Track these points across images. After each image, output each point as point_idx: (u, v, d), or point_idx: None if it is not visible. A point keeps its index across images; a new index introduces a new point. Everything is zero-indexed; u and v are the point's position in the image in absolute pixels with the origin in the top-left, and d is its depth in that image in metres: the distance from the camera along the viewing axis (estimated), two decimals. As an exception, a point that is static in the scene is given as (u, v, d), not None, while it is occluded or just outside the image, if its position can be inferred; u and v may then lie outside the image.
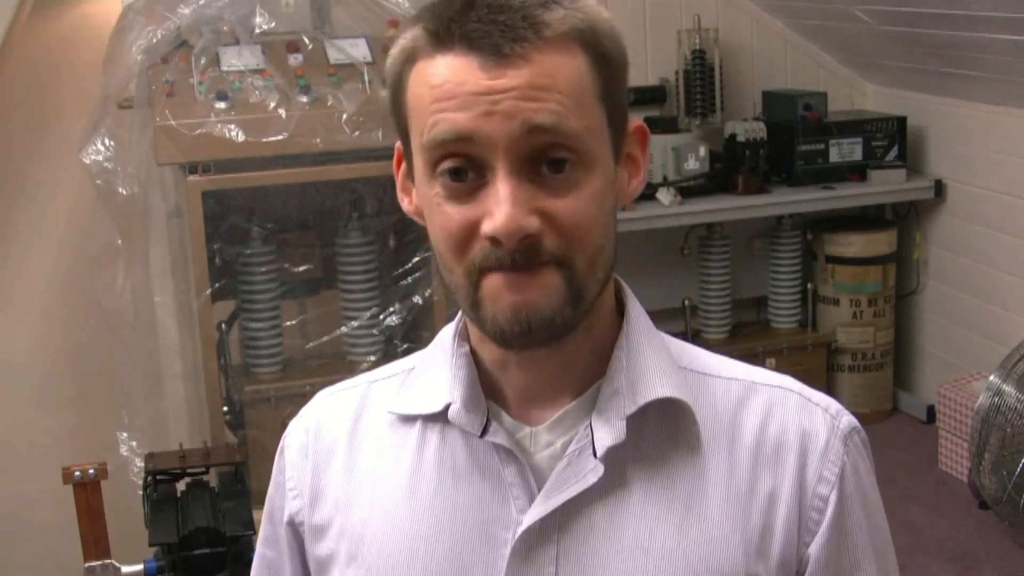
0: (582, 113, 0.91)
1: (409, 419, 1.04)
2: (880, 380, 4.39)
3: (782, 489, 0.98)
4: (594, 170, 0.93)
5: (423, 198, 0.96)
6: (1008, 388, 3.44)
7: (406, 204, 1.02)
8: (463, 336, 1.03)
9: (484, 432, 0.98)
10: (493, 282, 0.92)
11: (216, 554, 2.58)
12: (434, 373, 1.03)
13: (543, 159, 0.91)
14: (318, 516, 1.06)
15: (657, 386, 0.98)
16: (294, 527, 1.08)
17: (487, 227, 0.90)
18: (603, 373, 0.99)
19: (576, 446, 0.97)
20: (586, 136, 0.92)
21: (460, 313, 1.03)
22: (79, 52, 3.56)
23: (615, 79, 0.96)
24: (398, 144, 1.02)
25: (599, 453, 0.95)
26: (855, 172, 4.19)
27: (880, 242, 4.28)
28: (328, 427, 1.08)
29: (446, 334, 1.05)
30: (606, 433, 0.96)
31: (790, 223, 4.30)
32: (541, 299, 0.92)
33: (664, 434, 0.99)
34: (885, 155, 4.23)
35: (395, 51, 0.98)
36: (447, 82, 0.90)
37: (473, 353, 1.02)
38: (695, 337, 4.26)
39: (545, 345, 0.95)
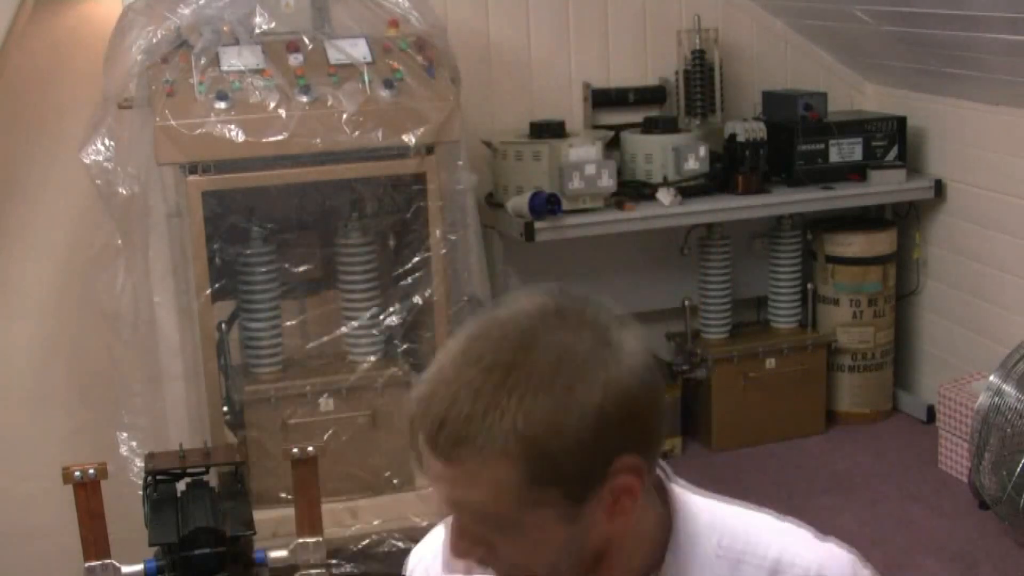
0: (500, 507, 1.05)
1: None
2: (880, 380, 4.39)
3: None
4: (527, 533, 1.06)
5: None
6: (1008, 388, 3.44)
7: None
8: None
9: None
10: None
11: (216, 554, 2.58)
12: None
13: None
14: None
15: None
16: None
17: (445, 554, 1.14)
18: (655, 561, 1.13)
19: None
20: (509, 517, 1.05)
21: None
22: (79, 52, 3.56)
23: (575, 457, 1.03)
24: None
25: None
26: (855, 172, 4.18)
27: (880, 242, 4.28)
28: (444, 568, 1.24)
29: None
30: None
31: (790, 223, 4.30)
32: None
33: None
34: (885, 155, 4.23)
35: None
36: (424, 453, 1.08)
37: None
38: (695, 337, 4.27)
39: None
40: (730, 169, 4.07)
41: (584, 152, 3.81)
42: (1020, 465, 3.37)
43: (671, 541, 1.13)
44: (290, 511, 2.85)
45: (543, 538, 1.05)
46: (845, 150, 4.19)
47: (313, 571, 2.77)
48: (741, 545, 1.15)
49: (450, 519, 1.14)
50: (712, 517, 1.17)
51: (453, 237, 3.34)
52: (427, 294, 3.32)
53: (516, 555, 1.06)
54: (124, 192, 3.19)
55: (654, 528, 1.14)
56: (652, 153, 4.01)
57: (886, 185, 4.16)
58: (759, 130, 4.06)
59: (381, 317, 3.38)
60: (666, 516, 1.15)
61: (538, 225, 3.74)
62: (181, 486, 2.88)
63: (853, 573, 1.15)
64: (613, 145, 4.10)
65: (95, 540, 2.63)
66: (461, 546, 1.07)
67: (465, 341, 1.06)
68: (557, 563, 1.08)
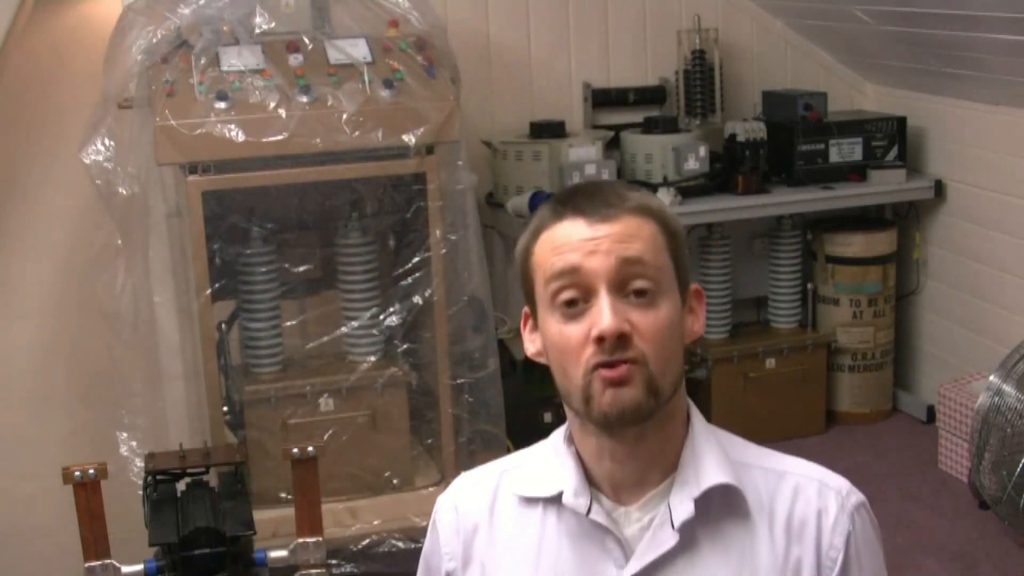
0: (657, 258, 1.30)
1: (532, 500, 1.38)
2: (880, 380, 4.39)
3: (806, 557, 1.31)
4: (666, 300, 1.30)
5: (547, 329, 1.32)
6: (1008, 388, 3.44)
7: (531, 349, 1.38)
8: (570, 440, 1.38)
9: (588, 511, 1.32)
10: (596, 385, 1.27)
11: (216, 554, 2.58)
12: (549, 465, 1.38)
13: (630, 288, 1.28)
14: (469, 573, 1.41)
15: (715, 475, 1.31)
16: None
17: (595, 331, 1.26)
18: (674, 467, 1.33)
19: (659, 521, 1.31)
20: (660, 274, 1.29)
21: (567, 423, 1.38)
22: (79, 52, 3.56)
23: (678, 247, 1.34)
24: (525, 308, 1.39)
25: (676, 525, 1.29)
26: (855, 172, 4.18)
27: (880, 242, 4.28)
28: (472, 508, 1.43)
29: (557, 437, 1.40)
30: (680, 511, 1.29)
31: (790, 223, 4.30)
32: (626, 396, 1.27)
33: (723, 511, 1.32)
34: (885, 155, 4.23)
35: (524, 234, 1.36)
36: (563, 235, 1.30)
37: (577, 452, 1.37)
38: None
39: (633, 425, 1.29)
40: (730, 169, 4.07)
41: (584, 152, 3.81)
42: (1020, 465, 3.37)
43: (686, 441, 1.35)
44: (290, 511, 2.85)
45: (666, 313, 1.29)
46: (845, 150, 4.19)
47: (313, 571, 2.77)
48: (749, 458, 1.37)
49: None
50: (720, 435, 1.38)
51: (453, 237, 3.34)
52: (427, 294, 3.32)
53: (650, 330, 1.27)
54: (124, 192, 3.19)
55: (682, 436, 1.35)
56: (652, 153, 4.01)
57: (886, 185, 4.16)
58: (759, 130, 4.06)
59: (381, 317, 3.38)
60: (686, 434, 1.36)
61: (538, 225, 3.73)
62: (181, 486, 2.88)
63: (850, 488, 1.35)
64: (613, 145, 4.10)
65: (95, 540, 2.63)
66: (616, 316, 1.25)
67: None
68: (672, 350, 1.30)
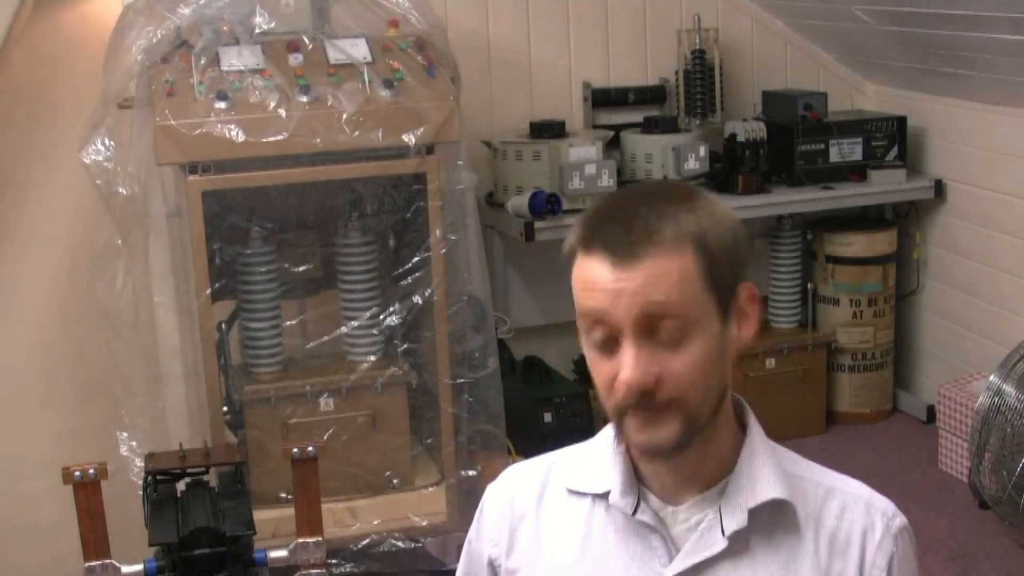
0: (689, 294, 1.23)
1: (581, 494, 1.39)
2: (880, 380, 4.39)
3: (847, 573, 1.33)
4: (701, 333, 1.25)
5: (585, 351, 1.30)
6: (1008, 388, 3.44)
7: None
8: (620, 438, 1.35)
9: (635, 512, 1.33)
10: (629, 422, 1.27)
11: (216, 554, 2.58)
12: (599, 461, 1.39)
13: (659, 333, 1.23)
14: (512, 561, 1.43)
15: (772, 488, 1.32)
16: (493, 566, 1.46)
17: (620, 379, 1.24)
18: (726, 471, 1.33)
19: (707, 524, 1.31)
20: (693, 308, 1.24)
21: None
22: (79, 52, 3.56)
23: (721, 263, 1.26)
24: None
25: (726, 532, 1.30)
26: (855, 172, 4.19)
27: (880, 242, 4.28)
28: (521, 496, 1.44)
29: (609, 434, 1.39)
30: (732, 519, 1.30)
31: (790, 223, 4.30)
32: (661, 436, 1.26)
33: (772, 521, 1.32)
34: (885, 155, 4.23)
35: (566, 242, 1.30)
36: (589, 278, 1.25)
37: (627, 450, 1.36)
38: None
39: (669, 459, 1.29)
40: (730, 169, 4.07)
41: (584, 152, 3.81)
42: (1020, 465, 3.37)
43: (743, 447, 1.35)
44: (290, 511, 2.84)
45: (701, 349, 1.24)
46: (845, 150, 4.19)
47: (313, 571, 2.77)
48: (800, 471, 1.37)
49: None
50: (776, 448, 1.38)
51: (453, 237, 3.34)
52: (427, 294, 3.32)
53: (681, 373, 1.24)
54: (124, 192, 3.18)
55: (733, 443, 1.35)
56: (652, 153, 4.01)
57: (886, 185, 4.16)
58: (759, 130, 4.06)
59: (381, 317, 3.38)
60: (742, 440, 1.36)
61: (538, 225, 3.74)
62: (181, 486, 2.88)
63: (896, 511, 1.38)
64: (613, 145, 4.10)
65: (95, 540, 2.63)
66: (639, 369, 1.22)
67: (609, 195, 1.33)
68: (711, 378, 1.26)
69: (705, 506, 1.33)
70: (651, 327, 1.23)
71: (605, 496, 1.36)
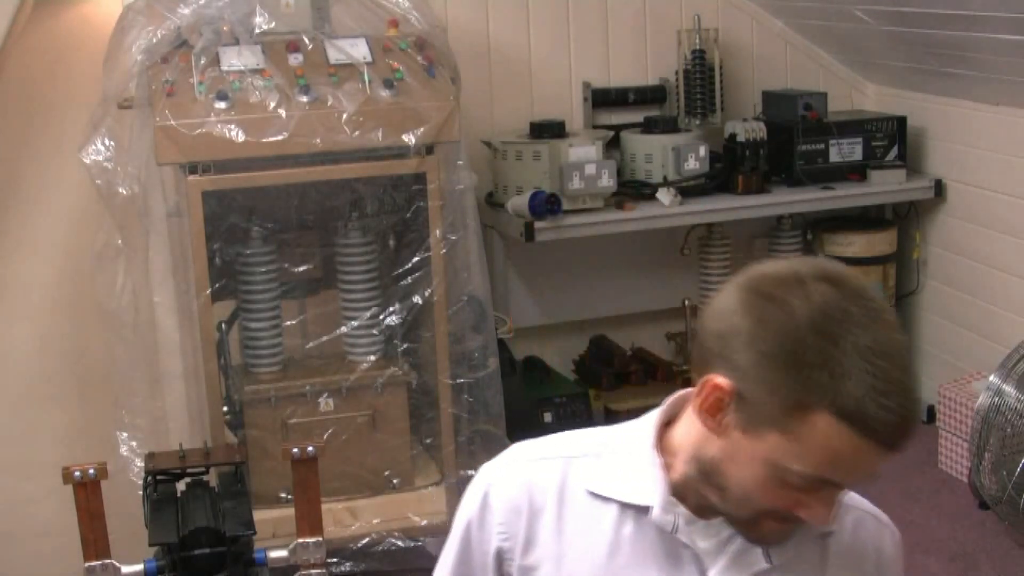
0: None
1: (605, 499, 1.34)
2: (880, 380, 4.38)
3: None
4: None
5: (754, 459, 1.22)
6: (1008, 388, 3.44)
7: (715, 427, 1.25)
8: (658, 448, 1.34)
9: (675, 530, 1.30)
10: (769, 520, 1.26)
11: (216, 554, 2.58)
12: (629, 468, 1.34)
13: None
14: (530, 559, 1.36)
15: None
16: (500, 558, 1.38)
17: (809, 518, 1.24)
18: None
19: (741, 542, 1.30)
20: None
21: (656, 424, 1.35)
22: (79, 52, 3.56)
23: None
24: (724, 381, 1.24)
25: (771, 557, 1.30)
26: (855, 172, 4.18)
27: (880, 242, 4.28)
28: (538, 491, 1.36)
29: (645, 440, 1.35)
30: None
31: (790, 223, 4.30)
32: (782, 539, 1.32)
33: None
34: (885, 155, 4.23)
35: (816, 370, 1.19)
36: (852, 453, 1.20)
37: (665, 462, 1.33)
38: (695, 337, 4.25)
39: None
40: (730, 169, 4.06)
41: (584, 152, 3.81)
42: (1020, 465, 3.37)
43: None
44: (290, 511, 2.85)
45: None
46: (845, 150, 4.18)
47: (313, 571, 2.77)
48: None
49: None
50: None
51: (453, 237, 3.34)
52: (427, 294, 3.32)
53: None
54: (124, 192, 3.19)
55: None
56: (652, 153, 4.01)
57: (886, 185, 4.16)
58: (759, 130, 4.06)
59: (381, 317, 3.38)
60: None
61: (538, 225, 3.74)
62: (181, 486, 2.88)
63: (893, 526, 1.44)
64: (613, 145, 4.10)
65: (95, 540, 2.63)
66: (829, 519, 1.27)
67: (877, 350, 1.22)
68: None
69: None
70: None
71: (638, 508, 1.32)
